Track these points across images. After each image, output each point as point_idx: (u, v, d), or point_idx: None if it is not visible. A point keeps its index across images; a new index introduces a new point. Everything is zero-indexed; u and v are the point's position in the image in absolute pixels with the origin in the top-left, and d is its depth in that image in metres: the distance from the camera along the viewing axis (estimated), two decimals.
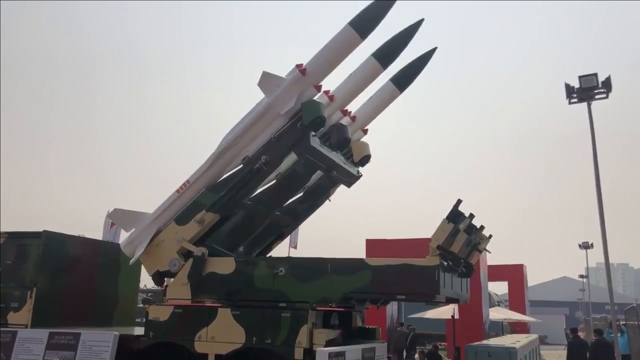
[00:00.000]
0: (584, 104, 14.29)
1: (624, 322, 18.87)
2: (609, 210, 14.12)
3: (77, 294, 9.59)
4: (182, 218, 8.62)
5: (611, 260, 14.51)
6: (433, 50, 9.19)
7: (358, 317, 9.26)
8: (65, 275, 9.48)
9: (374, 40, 8.45)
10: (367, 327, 9.34)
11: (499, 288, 37.07)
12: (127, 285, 10.75)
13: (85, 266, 9.89)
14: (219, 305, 8.05)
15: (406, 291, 7.57)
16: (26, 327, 8.75)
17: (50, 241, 9.34)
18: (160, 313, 8.20)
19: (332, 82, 8.79)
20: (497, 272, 23.76)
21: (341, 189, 10.03)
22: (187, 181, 8.70)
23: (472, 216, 7.86)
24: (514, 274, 26.30)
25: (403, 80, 9.29)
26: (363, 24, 7.95)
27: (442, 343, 21.00)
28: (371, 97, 9.59)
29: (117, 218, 9.36)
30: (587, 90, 13.98)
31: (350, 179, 9.57)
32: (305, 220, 10.43)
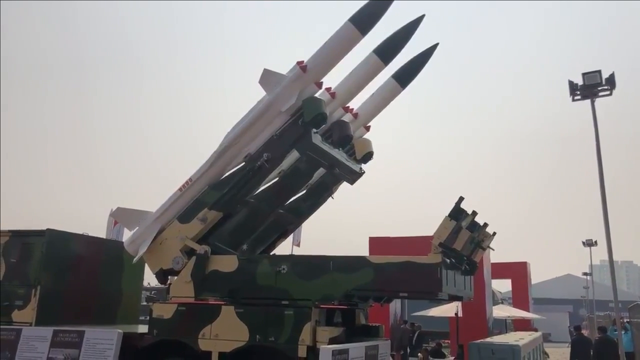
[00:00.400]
0: (588, 102, 14.23)
1: (628, 320, 18.80)
2: (612, 208, 14.02)
3: (81, 292, 9.61)
4: (185, 216, 8.65)
5: (615, 258, 14.49)
6: (434, 47, 9.17)
7: (361, 315, 9.25)
8: (69, 274, 9.50)
9: (376, 38, 8.46)
10: (370, 324, 9.33)
11: (502, 286, 37.13)
12: (130, 283, 10.76)
13: (89, 264, 9.91)
14: (222, 303, 8.05)
15: (408, 289, 7.57)
16: (30, 325, 8.78)
17: (54, 239, 9.36)
18: (164, 311, 8.21)
19: (333, 79, 8.79)
20: (501, 270, 23.74)
21: (344, 186, 10.02)
22: (190, 179, 8.72)
23: (474, 213, 7.84)
24: (517, 271, 26.23)
25: (405, 76, 9.27)
26: (363, 20, 7.96)
27: (446, 341, 20.94)
28: (373, 93, 9.57)
29: (120, 217, 9.41)
30: (591, 87, 13.90)
31: (353, 176, 9.57)
32: (308, 218, 10.42)
